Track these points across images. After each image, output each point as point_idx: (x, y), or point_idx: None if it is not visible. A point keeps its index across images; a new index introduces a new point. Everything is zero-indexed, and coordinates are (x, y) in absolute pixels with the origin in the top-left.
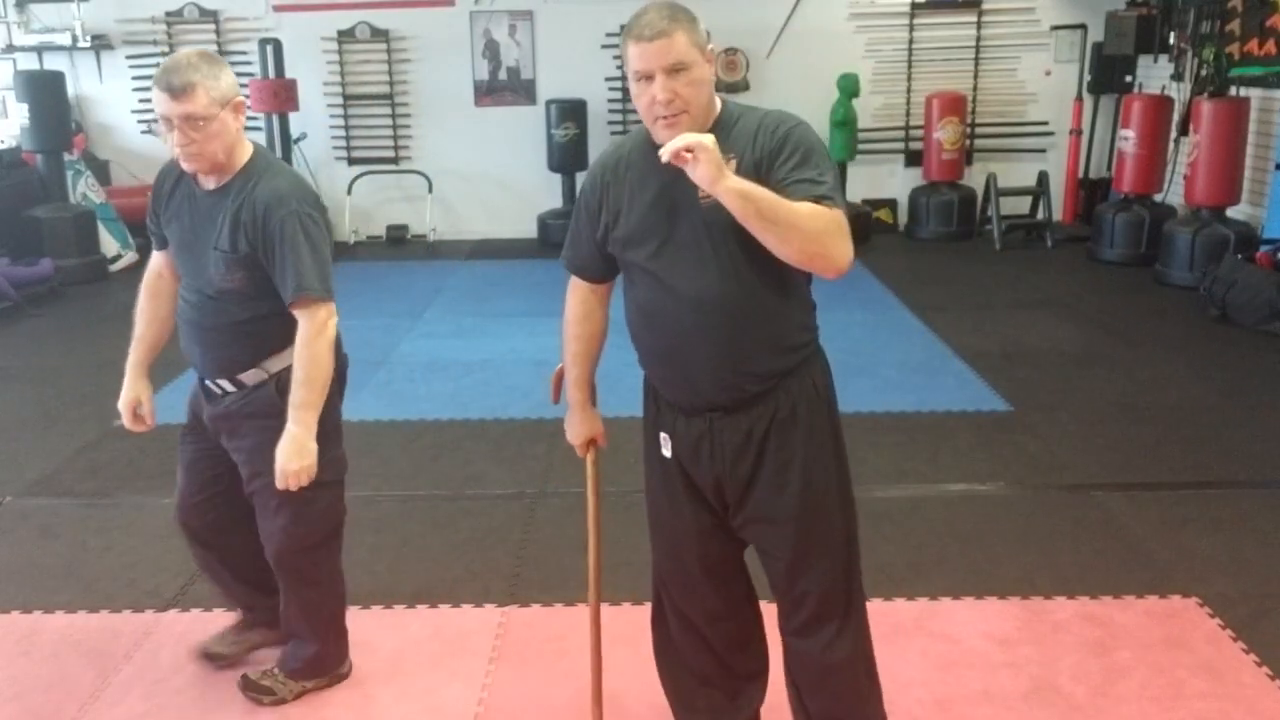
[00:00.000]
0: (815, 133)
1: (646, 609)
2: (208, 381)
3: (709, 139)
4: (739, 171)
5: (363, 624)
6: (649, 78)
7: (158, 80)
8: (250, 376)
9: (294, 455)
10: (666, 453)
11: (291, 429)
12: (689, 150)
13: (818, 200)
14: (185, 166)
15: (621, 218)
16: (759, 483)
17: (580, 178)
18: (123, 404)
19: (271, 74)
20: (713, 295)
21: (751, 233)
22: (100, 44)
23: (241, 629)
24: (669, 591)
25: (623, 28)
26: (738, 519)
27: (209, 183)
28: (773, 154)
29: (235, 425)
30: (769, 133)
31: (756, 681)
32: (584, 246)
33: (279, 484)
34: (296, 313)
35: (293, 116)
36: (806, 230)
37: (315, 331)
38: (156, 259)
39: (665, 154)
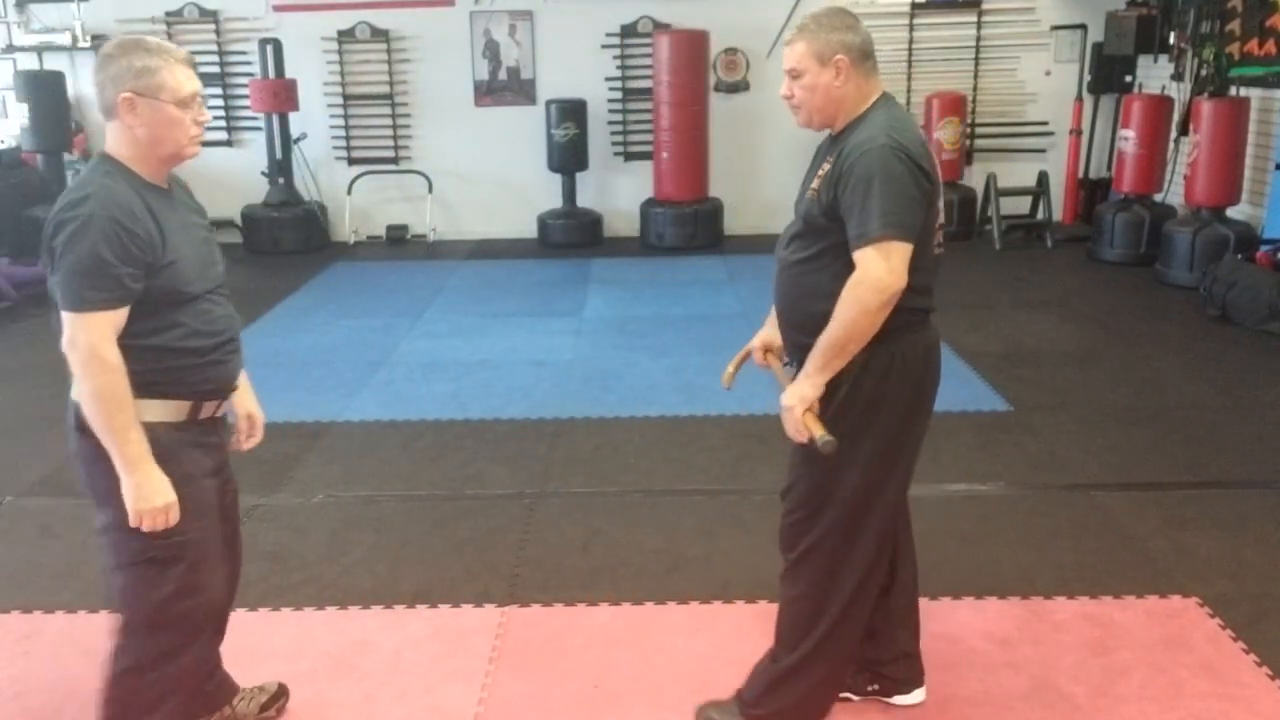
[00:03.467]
0: (889, 156)
1: (647, 609)
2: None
3: (790, 407)
4: (821, 181)
5: (363, 624)
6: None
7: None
8: None
9: None
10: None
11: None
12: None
13: (859, 240)
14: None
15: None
16: None
17: (580, 178)
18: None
19: (271, 74)
20: (783, 264)
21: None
22: (100, 44)
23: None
24: None
25: (624, 28)
26: None
27: None
28: (840, 181)
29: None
30: (848, 155)
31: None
32: None
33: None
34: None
35: (293, 116)
36: (860, 325)
37: None
38: None
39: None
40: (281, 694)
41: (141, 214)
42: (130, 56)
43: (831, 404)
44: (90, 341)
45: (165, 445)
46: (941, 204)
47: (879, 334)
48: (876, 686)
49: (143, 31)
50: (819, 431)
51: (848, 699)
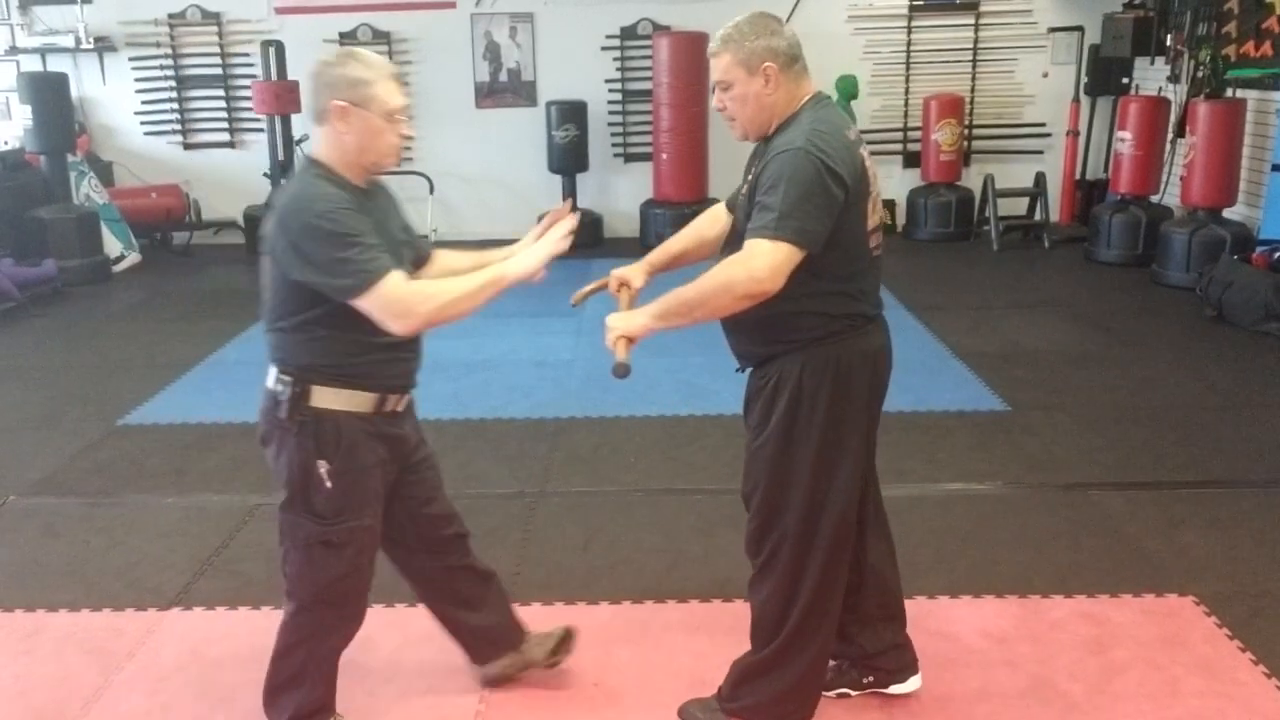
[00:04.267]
0: (804, 160)
1: (647, 607)
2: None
3: (612, 328)
4: (748, 185)
5: (365, 623)
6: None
7: None
8: None
9: None
10: None
11: None
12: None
13: (755, 232)
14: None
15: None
16: (748, 430)
17: (580, 179)
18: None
19: (274, 76)
20: None
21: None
22: (103, 46)
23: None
24: None
25: (624, 30)
26: None
27: None
28: (759, 179)
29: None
30: (767, 156)
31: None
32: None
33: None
34: None
35: (295, 118)
36: (718, 300)
37: None
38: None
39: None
40: (568, 636)
41: (356, 208)
42: (346, 67)
43: (774, 410)
44: (391, 298)
45: (346, 435)
46: (873, 206)
47: (817, 339)
48: (871, 679)
49: (145, 34)
50: (621, 355)
51: (846, 694)
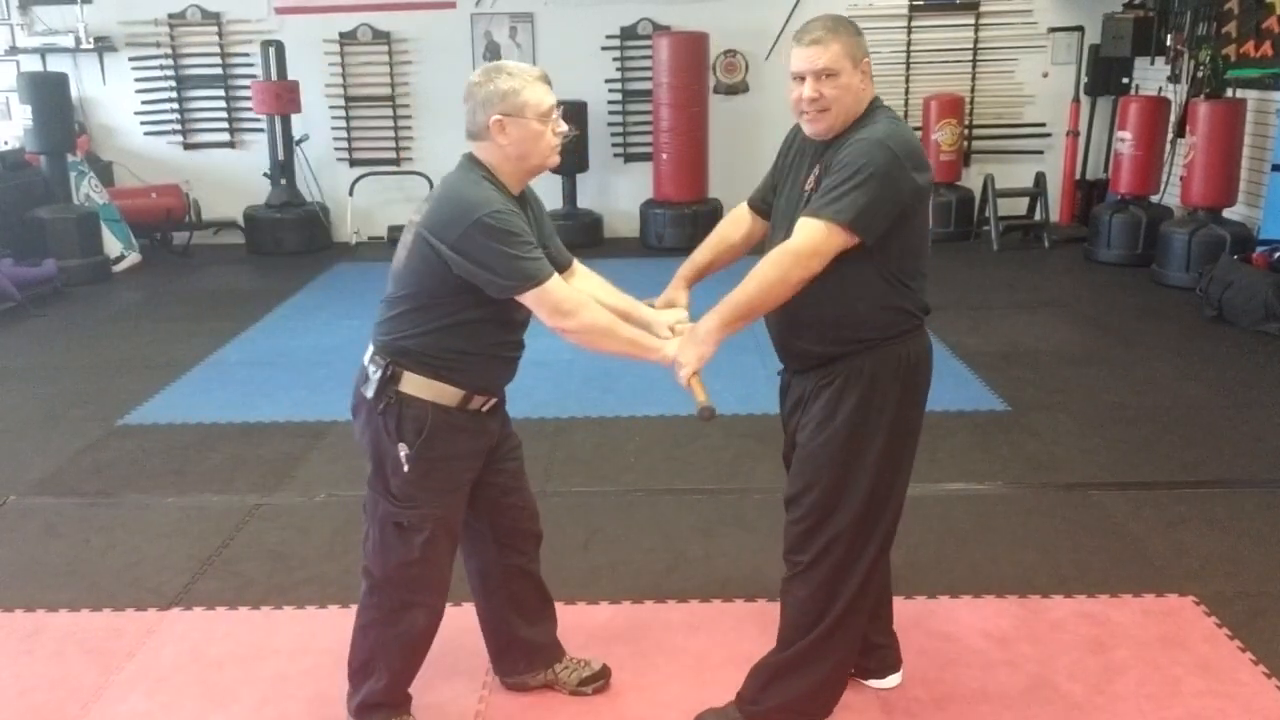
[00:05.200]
0: (879, 150)
1: (647, 607)
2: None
3: (684, 364)
4: (818, 183)
5: None
6: (801, 78)
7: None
8: None
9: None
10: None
11: None
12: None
13: (817, 211)
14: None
15: (780, 187)
16: (801, 430)
17: (580, 179)
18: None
19: (274, 76)
20: None
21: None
22: (103, 46)
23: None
24: None
25: (624, 30)
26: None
27: None
28: (830, 167)
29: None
30: (842, 144)
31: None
32: (765, 181)
33: None
34: None
35: (295, 118)
36: (775, 290)
37: None
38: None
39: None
40: (603, 675)
41: (518, 212)
42: (496, 82)
43: (839, 408)
44: (560, 297)
45: (431, 424)
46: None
47: (889, 336)
48: (850, 670)
49: (145, 34)
50: (702, 397)
51: None
